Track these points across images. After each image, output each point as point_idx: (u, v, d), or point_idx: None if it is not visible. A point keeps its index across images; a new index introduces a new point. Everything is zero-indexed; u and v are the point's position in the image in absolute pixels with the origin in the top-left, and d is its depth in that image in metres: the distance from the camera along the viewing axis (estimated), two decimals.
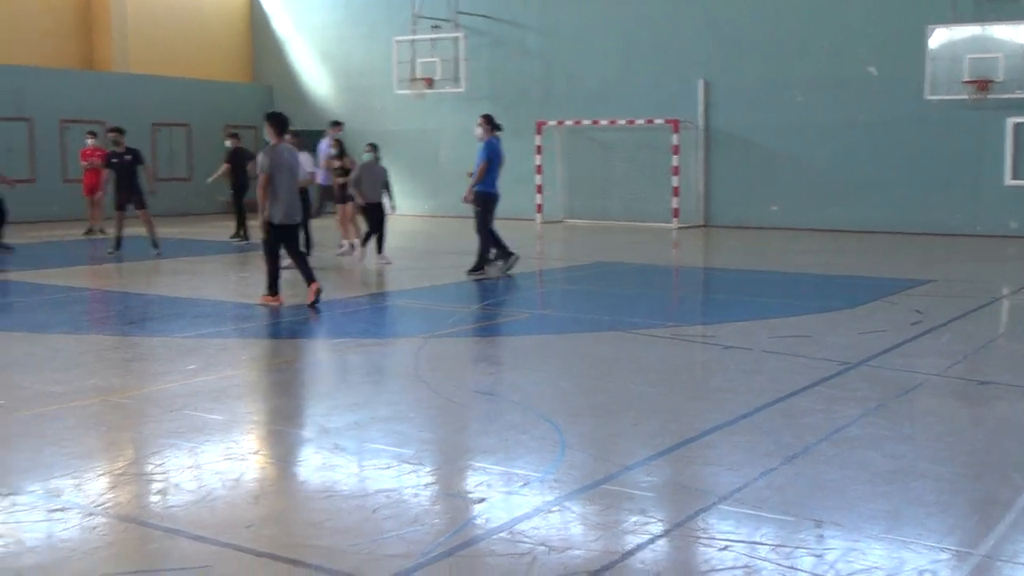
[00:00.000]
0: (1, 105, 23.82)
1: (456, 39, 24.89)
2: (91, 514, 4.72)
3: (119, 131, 16.99)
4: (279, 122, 10.87)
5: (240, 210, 18.70)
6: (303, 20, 29.05)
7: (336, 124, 16.98)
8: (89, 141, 20.74)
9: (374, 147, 15.38)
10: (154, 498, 4.99)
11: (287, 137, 11.00)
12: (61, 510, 4.76)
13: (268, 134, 10.93)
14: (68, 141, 24.68)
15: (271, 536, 4.50)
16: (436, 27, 25.48)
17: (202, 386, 7.62)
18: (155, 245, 16.58)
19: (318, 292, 10.91)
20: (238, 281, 13.55)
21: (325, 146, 16.63)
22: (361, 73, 27.85)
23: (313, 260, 12.70)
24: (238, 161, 18.33)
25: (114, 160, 16.65)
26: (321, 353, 9.05)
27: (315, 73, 28.95)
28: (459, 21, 25.28)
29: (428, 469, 5.43)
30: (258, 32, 29.94)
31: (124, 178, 16.59)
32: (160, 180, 24.54)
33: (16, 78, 24.00)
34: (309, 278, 10.96)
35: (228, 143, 19.18)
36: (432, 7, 25.38)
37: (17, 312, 10.98)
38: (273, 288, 11.02)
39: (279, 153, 10.77)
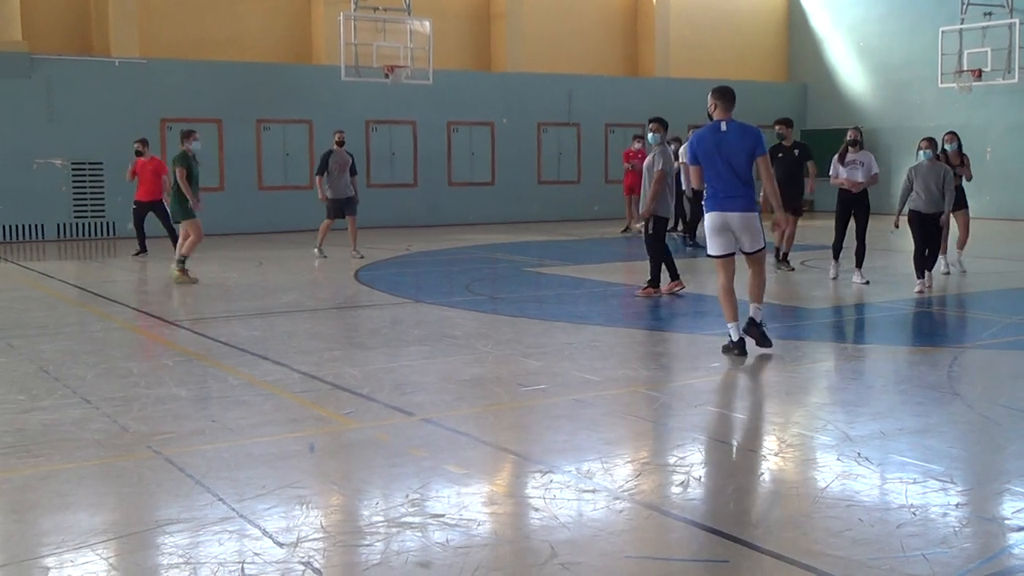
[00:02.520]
0: (555, 111, 25.90)
1: (1011, 25, 23.04)
2: (617, 498, 4.98)
3: (785, 123, 14.74)
4: (665, 125, 12.07)
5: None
6: (841, 16, 28.45)
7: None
8: (636, 144, 21.81)
9: (932, 143, 12.28)
10: (675, 489, 5.16)
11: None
12: (592, 491, 5.08)
13: (657, 136, 12.01)
14: (611, 144, 26.28)
15: (789, 539, 4.47)
16: (988, 14, 23.77)
17: (726, 384, 7.76)
18: (780, 258, 14.39)
19: (649, 296, 11.75)
20: (777, 281, 13.56)
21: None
22: (901, 68, 26.73)
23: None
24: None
25: (779, 154, 14.22)
26: (846, 358, 8.82)
27: (851, 70, 28.25)
28: (1014, 6, 23.35)
29: (959, 488, 5.09)
30: (795, 31, 29.81)
31: (788, 173, 13.98)
32: None
33: (567, 85, 25.95)
34: (655, 279, 11.88)
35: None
36: None
37: (560, 304, 11.88)
38: (674, 274, 11.98)
39: (668, 153, 11.98)
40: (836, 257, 13.22)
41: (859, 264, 12.76)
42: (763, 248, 8.56)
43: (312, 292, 12.68)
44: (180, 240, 13.80)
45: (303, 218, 22.61)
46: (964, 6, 24.05)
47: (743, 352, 8.33)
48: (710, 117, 8.45)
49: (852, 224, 12.88)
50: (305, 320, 10.68)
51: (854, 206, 12.80)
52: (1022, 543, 4.36)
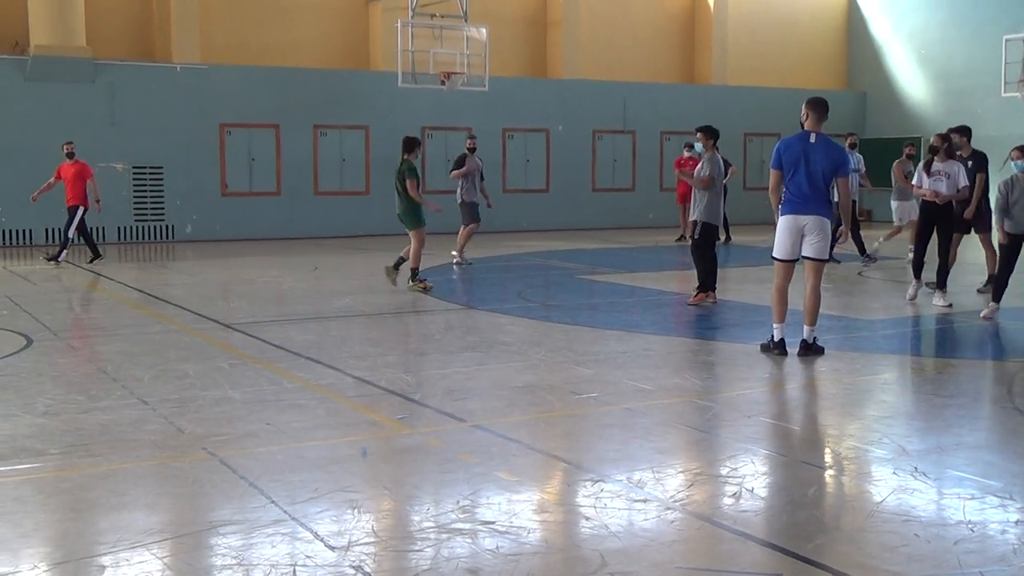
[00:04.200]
0: (610, 119, 25.86)
1: None
2: (669, 508, 4.95)
3: (959, 132, 12.94)
4: (713, 133, 11.87)
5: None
6: (902, 23, 28.09)
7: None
8: (686, 152, 21.68)
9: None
10: (727, 500, 5.11)
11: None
12: (643, 501, 5.05)
13: (704, 144, 11.87)
14: (666, 152, 26.18)
15: (843, 553, 4.41)
16: None
17: (779, 395, 7.69)
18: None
19: (702, 302, 11.66)
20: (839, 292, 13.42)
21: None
22: (962, 75, 26.32)
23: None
24: None
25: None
26: (904, 370, 8.69)
27: (911, 77, 27.88)
28: None
29: (1018, 505, 4.98)
30: (854, 38, 29.49)
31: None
32: (749, 190, 25.18)
33: (622, 93, 25.90)
34: (703, 284, 11.71)
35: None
36: None
37: (613, 312, 11.84)
38: (711, 285, 11.73)
39: (717, 160, 11.79)
40: (917, 275, 11.95)
41: (941, 284, 11.61)
42: (826, 260, 8.76)
43: (366, 297, 12.77)
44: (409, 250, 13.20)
45: (358, 224, 22.79)
46: None
47: (784, 352, 8.63)
48: (802, 126, 8.70)
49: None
50: (359, 325, 10.75)
51: (938, 221, 11.58)
52: None
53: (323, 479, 5.32)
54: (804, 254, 8.66)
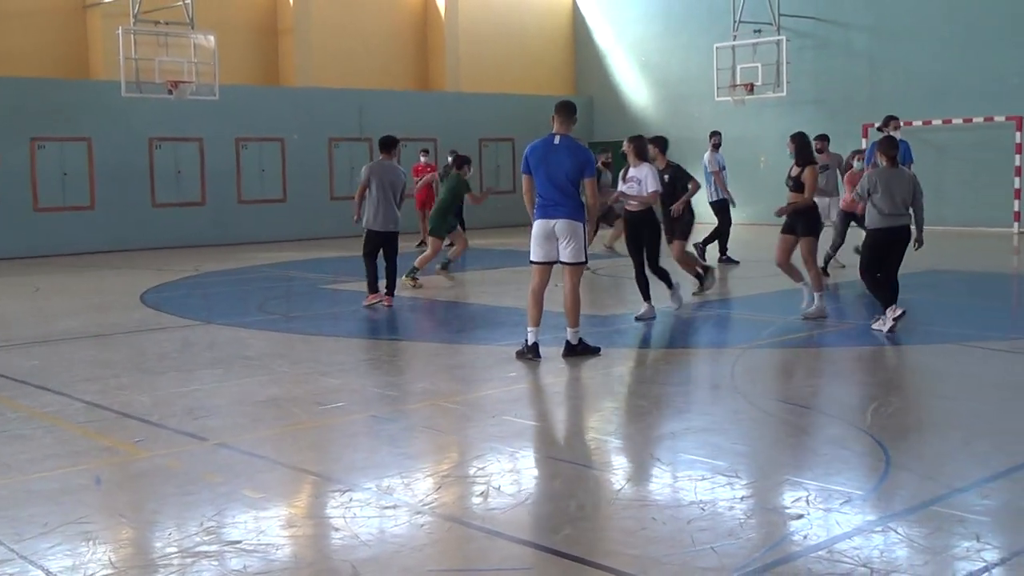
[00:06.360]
0: (346, 126, 25.71)
1: (778, 42, 24.37)
2: (419, 512, 4.98)
3: (653, 143, 11.90)
4: (383, 143, 12.52)
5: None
6: (624, 32, 29.41)
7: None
8: (422, 158, 21.89)
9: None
10: (476, 500, 5.20)
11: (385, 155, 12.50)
12: (392, 507, 5.06)
13: (382, 154, 12.50)
14: (406, 159, 26.29)
15: (587, 542, 4.57)
16: (758, 31, 25.05)
17: (522, 393, 7.87)
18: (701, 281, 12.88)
19: (376, 304, 12.09)
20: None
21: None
22: (680, 82, 27.84)
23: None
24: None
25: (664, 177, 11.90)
26: (636, 362, 9.11)
27: (634, 83, 29.23)
28: (781, 24, 24.74)
29: (743, 482, 5.33)
30: (580, 46, 30.61)
31: (666, 195, 11.95)
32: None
33: (358, 100, 25.81)
34: (388, 288, 12.20)
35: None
36: (754, 11, 24.99)
37: (356, 320, 11.78)
38: (373, 287, 12.27)
39: (382, 168, 12.36)
40: (647, 296, 10.86)
41: (645, 297, 10.83)
42: (582, 264, 8.79)
43: (95, 317, 12.13)
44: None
45: (83, 240, 21.62)
46: (735, 24, 25.25)
47: (537, 356, 8.64)
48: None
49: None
50: (89, 347, 10.20)
51: (640, 228, 10.87)
52: (801, 530, 4.61)
53: (53, 512, 5.02)
54: (560, 259, 8.72)
